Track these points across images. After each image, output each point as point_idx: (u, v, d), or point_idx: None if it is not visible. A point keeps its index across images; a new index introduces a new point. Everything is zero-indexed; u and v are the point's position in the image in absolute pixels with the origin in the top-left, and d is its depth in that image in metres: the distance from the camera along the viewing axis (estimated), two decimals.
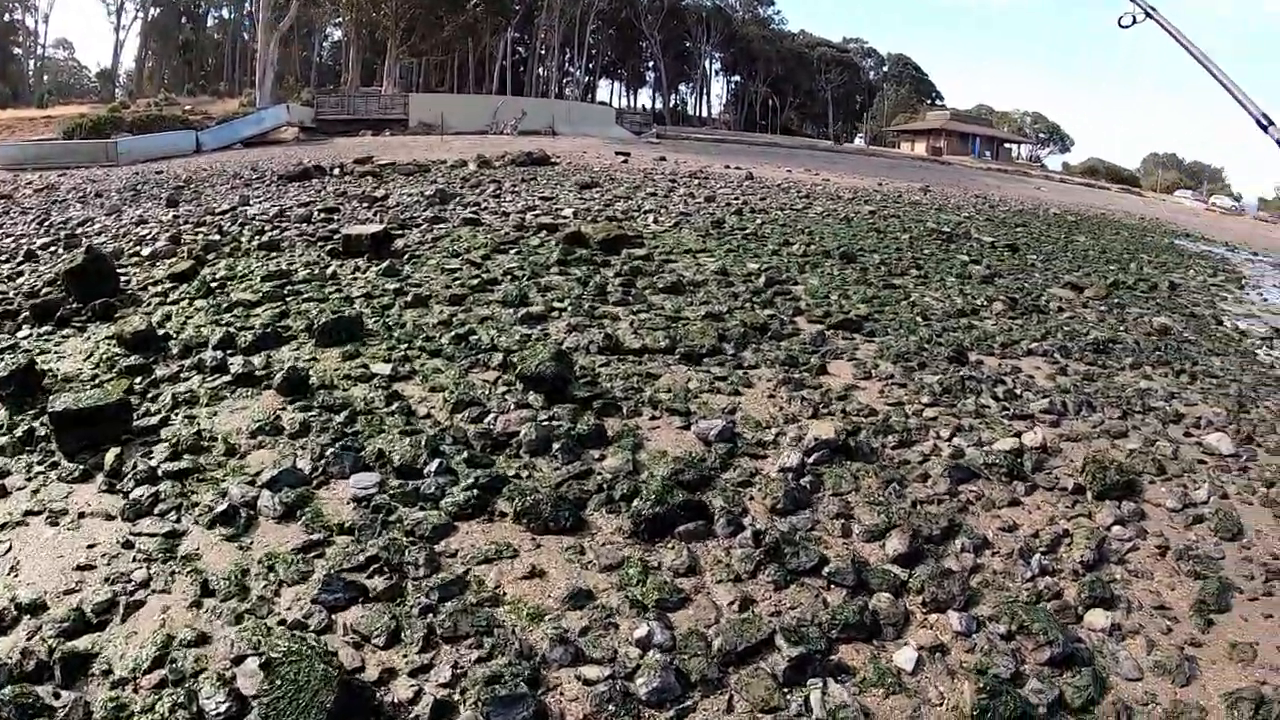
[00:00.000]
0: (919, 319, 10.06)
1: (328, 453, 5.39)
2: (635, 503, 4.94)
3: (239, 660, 3.53)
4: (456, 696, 3.50)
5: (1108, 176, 75.90)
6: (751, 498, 5.39)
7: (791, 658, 3.96)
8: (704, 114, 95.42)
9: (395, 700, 3.46)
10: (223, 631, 3.79)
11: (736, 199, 19.52)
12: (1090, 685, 4.19)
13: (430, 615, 3.96)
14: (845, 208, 20.63)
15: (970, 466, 6.21)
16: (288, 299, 8.85)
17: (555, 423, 5.97)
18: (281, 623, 3.87)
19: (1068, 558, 5.32)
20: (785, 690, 3.85)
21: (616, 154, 31.26)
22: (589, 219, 14.19)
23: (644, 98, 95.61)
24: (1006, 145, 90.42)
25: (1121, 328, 11.65)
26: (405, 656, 3.73)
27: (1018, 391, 8.03)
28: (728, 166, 29.74)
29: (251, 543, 4.54)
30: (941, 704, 3.98)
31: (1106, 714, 4.10)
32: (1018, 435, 6.85)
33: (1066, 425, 7.40)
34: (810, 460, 5.84)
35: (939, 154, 73.28)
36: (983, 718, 3.83)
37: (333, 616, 3.93)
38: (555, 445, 5.64)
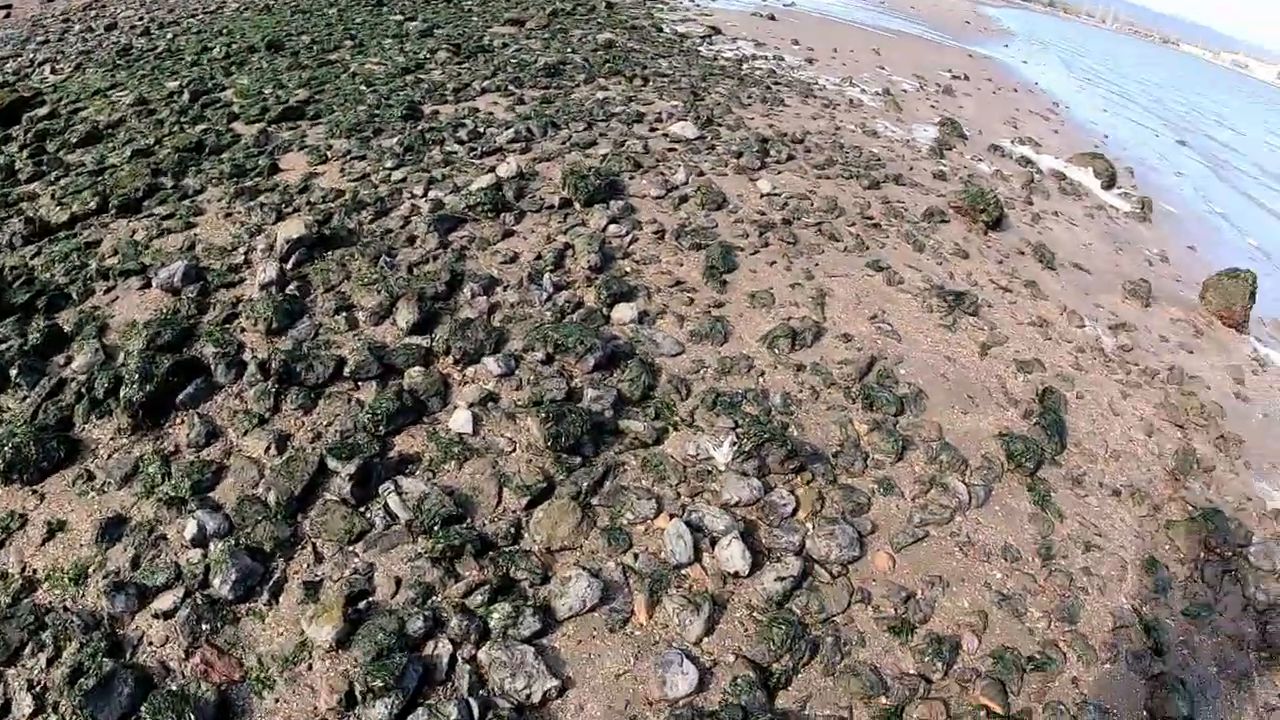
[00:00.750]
0: (363, 88, 9.69)
1: None
2: (123, 392, 4.26)
3: None
4: (52, 719, 3.00)
5: None
6: (243, 329, 4.90)
7: (351, 475, 3.82)
8: None
9: None
10: None
11: (141, 19, 16.79)
12: (641, 373, 4.60)
13: None
14: None
15: (454, 214, 6.30)
16: None
17: (1, 346, 4.89)
18: None
19: (576, 267, 5.69)
20: (362, 510, 3.76)
21: None
22: None
23: None
24: None
25: (569, 50, 12.43)
26: None
27: (480, 130, 8.25)
28: None
29: None
30: (515, 448, 4.11)
31: (668, 393, 4.56)
32: (491, 170, 7.06)
33: (537, 148, 7.82)
34: (289, 266, 5.44)
35: None
36: (558, 443, 4.04)
37: None
38: (12, 372, 4.60)
